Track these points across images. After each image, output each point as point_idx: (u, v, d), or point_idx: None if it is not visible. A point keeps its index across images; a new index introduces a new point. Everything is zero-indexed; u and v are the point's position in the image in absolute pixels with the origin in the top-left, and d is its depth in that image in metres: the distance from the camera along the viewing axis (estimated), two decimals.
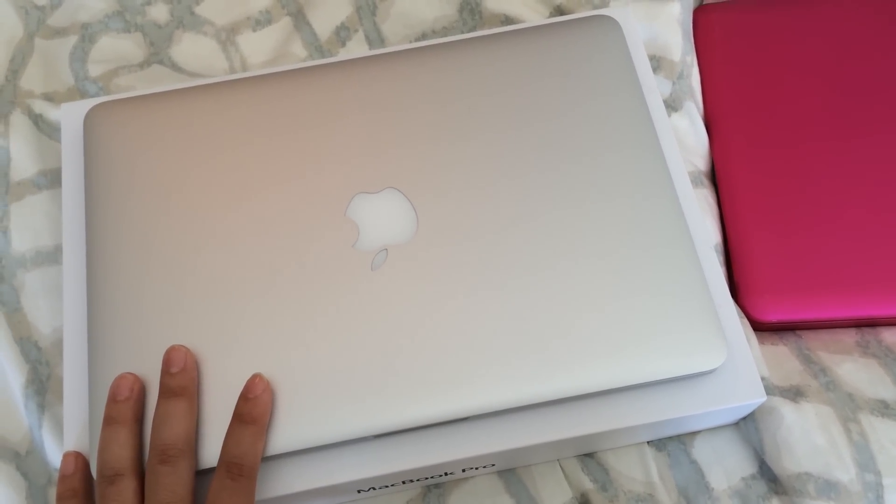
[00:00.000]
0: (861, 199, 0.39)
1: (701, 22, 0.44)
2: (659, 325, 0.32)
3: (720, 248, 0.39)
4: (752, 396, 0.33)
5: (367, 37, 0.44)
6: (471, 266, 0.34)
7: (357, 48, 0.44)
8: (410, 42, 0.44)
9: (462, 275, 0.33)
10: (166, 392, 0.31)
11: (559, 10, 0.44)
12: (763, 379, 0.35)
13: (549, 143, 0.36)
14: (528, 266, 0.33)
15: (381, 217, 0.34)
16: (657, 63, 0.42)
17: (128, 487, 0.30)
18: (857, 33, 0.43)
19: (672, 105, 0.42)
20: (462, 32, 0.44)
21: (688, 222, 0.36)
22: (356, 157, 0.36)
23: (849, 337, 0.38)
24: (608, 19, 0.38)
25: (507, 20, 0.44)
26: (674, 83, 0.42)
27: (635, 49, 0.40)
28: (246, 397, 0.31)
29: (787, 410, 0.35)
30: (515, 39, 0.38)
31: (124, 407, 0.31)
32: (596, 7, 0.43)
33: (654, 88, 0.39)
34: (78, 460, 0.32)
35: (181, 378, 0.31)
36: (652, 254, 0.34)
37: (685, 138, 0.41)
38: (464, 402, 0.32)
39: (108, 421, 0.31)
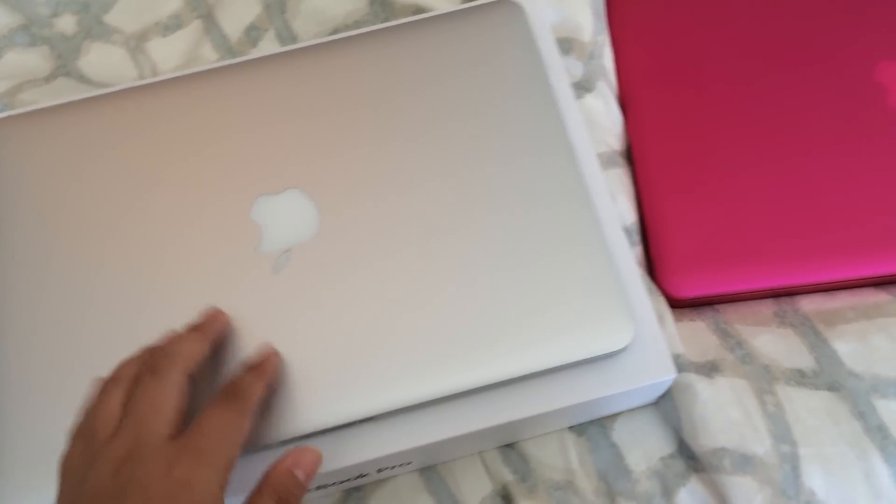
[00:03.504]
0: (775, 169, 0.39)
1: (614, 0, 0.44)
2: (564, 310, 0.32)
3: (636, 226, 0.39)
4: (661, 374, 0.33)
5: (278, 35, 0.44)
6: (375, 262, 0.33)
7: (269, 47, 0.44)
8: (322, 38, 0.44)
9: (366, 272, 0.33)
10: (189, 326, 0.31)
11: None
12: (678, 356, 0.35)
13: (452, 133, 0.35)
14: (431, 259, 0.33)
15: (284, 218, 0.34)
16: (569, 45, 0.42)
17: (117, 394, 0.28)
18: (775, 1, 0.42)
19: (585, 86, 0.41)
20: (373, 25, 0.44)
21: (596, 204, 0.36)
22: (259, 158, 0.35)
23: (766, 308, 0.38)
24: (511, 4, 0.38)
25: (418, 10, 0.43)
26: (585, 64, 0.41)
27: (541, 32, 0.39)
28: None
29: (703, 386, 0.35)
30: (419, 30, 0.38)
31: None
32: None
33: (562, 71, 0.39)
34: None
35: (208, 323, 0.31)
36: (557, 239, 0.33)
37: (599, 118, 0.41)
38: (371, 401, 0.32)
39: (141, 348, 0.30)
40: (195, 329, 0.30)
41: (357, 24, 0.44)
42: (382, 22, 0.44)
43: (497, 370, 0.32)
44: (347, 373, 0.32)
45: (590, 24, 0.42)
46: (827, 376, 0.35)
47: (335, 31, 0.44)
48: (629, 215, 0.39)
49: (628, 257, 0.35)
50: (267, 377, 0.30)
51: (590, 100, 0.41)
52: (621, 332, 0.32)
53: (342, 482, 0.34)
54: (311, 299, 0.33)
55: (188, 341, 0.29)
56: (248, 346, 0.32)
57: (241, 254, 0.34)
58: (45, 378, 0.32)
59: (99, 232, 0.34)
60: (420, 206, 0.34)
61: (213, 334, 0.31)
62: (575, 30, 0.42)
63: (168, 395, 0.27)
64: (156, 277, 0.33)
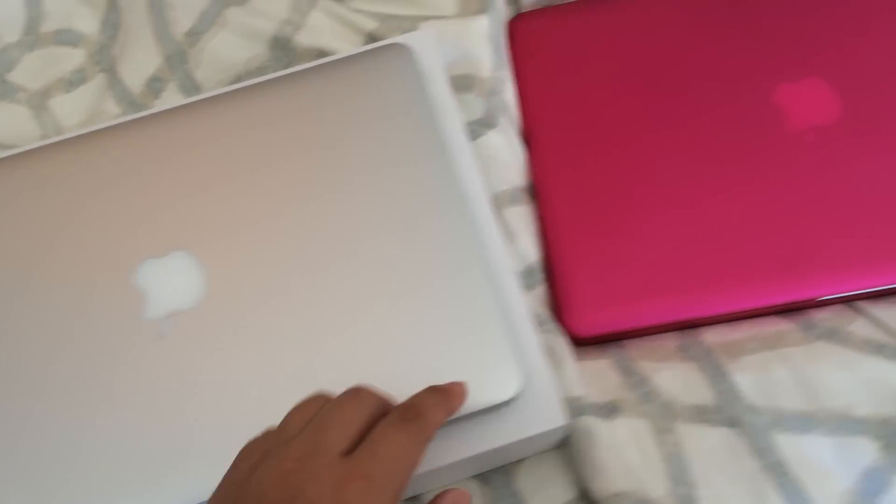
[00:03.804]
0: (677, 201, 0.38)
1: (517, 32, 0.43)
2: (449, 363, 0.32)
3: (540, 265, 0.39)
4: (551, 423, 0.33)
5: (181, 86, 0.44)
6: (263, 325, 0.33)
7: (172, 98, 0.44)
8: (226, 86, 0.43)
9: (254, 335, 0.33)
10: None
11: (372, 38, 0.43)
12: (578, 399, 0.35)
13: (339, 185, 0.35)
14: (318, 320, 0.33)
15: (170, 282, 0.34)
16: (469, 82, 0.41)
17: (317, 402, 0.27)
18: (675, 31, 0.42)
19: (487, 122, 0.41)
20: (276, 70, 0.43)
21: (488, 248, 0.36)
22: (148, 218, 0.35)
23: (671, 342, 0.38)
24: (399, 47, 0.38)
25: (321, 53, 0.43)
26: (486, 100, 0.41)
27: (434, 72, 0.39)
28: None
29: (602, 430, 0.34)
30: (308, 79, 0.38)
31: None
32: (406, 31, 0.42)
33: (454, 112, 0.38)
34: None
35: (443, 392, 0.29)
36: (442, 290, 0.33)
37: (501, 155, 0.40)
38: None
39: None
40: (440, 392, 0.29)
41: (259, 70, 0.43)
42: (285, 67, 0.43)
43: None
44: (233, 440, 0.32)
45: (489, 59, 0.41)
46: (727, 411, 0.35)
47: (238, 78, 0.44)
48: (531, 254, 0.39)
49: (520, 303, 0.35)
50: (451, 404, 0.28)
51: (492, 136, 0.41)
52: (508, 382, 0.32)
53: None
54: (197, 365, 0.33)
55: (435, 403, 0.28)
56: (129, 415, 0.32)
57: (126, 321, 0.34)
58: None
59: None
60: (308, 263, 0.34)
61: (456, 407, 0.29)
62: (474, 66, 0.41)
63: (361, 412, 0.26)
64: (42, 349, 0.33)
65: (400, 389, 0.31)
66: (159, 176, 0.36)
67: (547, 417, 0.33)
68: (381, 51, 0.38)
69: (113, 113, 0.43)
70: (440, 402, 0.28)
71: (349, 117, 0.36)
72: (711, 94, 0.40)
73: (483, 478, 0.36)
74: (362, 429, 0.26)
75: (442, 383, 0.30)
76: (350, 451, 0.25)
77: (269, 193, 0.35)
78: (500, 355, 0.32)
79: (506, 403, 0.32)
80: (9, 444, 0.32)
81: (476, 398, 0.32)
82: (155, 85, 0.44)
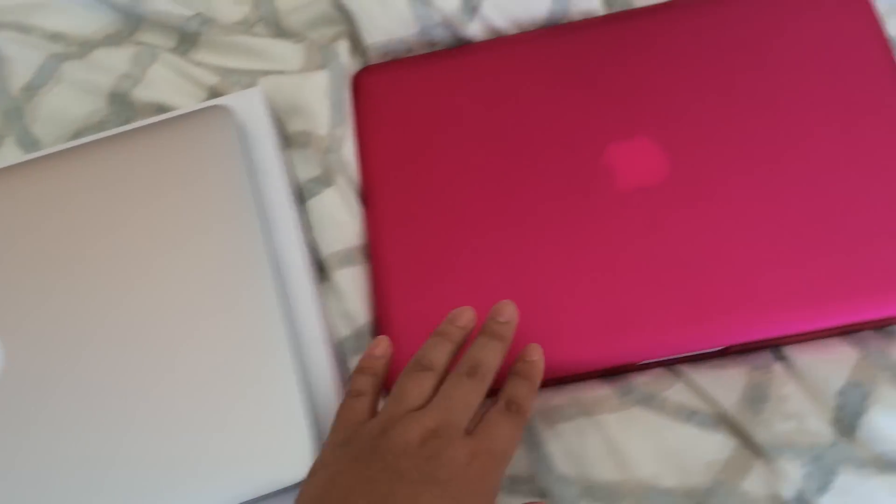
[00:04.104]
0: (504, 263, 0.38)
1: (361, 86, 0.43)
2: (245, 441, 0.32)
3: (369, 327, 0.39)
4: None
5: (19, 141, 0.43)
6: (52, 409, 0.33)
7: (11, 155, 0.43)
8: (65, 142, 0.43)
9: (45, 417, 0.33)
10: (489, 333, 0.34)
11: (214, 92, 0.42)
12: None
13: (145, 255, 0.35)
14: (119, 400, 0.33)
15: None
16: (307, 138, 0.41)
17: (430, 378, 0.32)
18: (512, 88, 0.42)
19: (324, 181, 0.41)
20: (116, 125, 0.43)
21: (300, 318, 0.35)
22: None
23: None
24: (220, 109, 0.37)
25: (161, 108, 0.42)
26: (324, 157, 0.41)
27: (261, 133, 0.39)
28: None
29: None
30: (125, 141, 0.37)
31: (457, 331, 0.34)
32: (246, 86, 0.42)
33: (279, 172, 0.38)
34: (388, 348, 0.35)
35: (505, 328, 0.34)
36: (242, 365, 0.33)
37: (336, 214, 0.40)
38: None
39: (437, 334, 0.34)
40: (500, 339, 0.34)
41: (100, 125, 0.43)
42: (124, 122, 0.43)
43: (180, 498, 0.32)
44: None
45: (327, 116, 0.41)
46: (539, 482, 0.35)
47: (77, 134, 0.43)
48: (361, 316, 0.39)
49: (329, 376, 0.35)
50: (509, 345, 0.34)
51: (328, 195, 0.40)
52: (302, 463, 0.32)
53: None
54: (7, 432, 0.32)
55: (496, 353, 0.33)
56: None
57: None
58: None
59: None
60: (105, 341, 0.34)
61: (510, 342, 0.35)
62: (311, 122, 0.41)
63: (479, 397, 0.32)
64: None
65: (194, 478, 0.31)
66: None
67: None
68: (201, 113, 0.37)
69: None
70: (532, 391, 0.33)
71: (162, 183, 0.36)
72: (546, 152, 0.40)
73: None
74: (479, 410, 0.32)
75: (501, 318, 0.34)
76: (469, 429, 0.31)
77: (76, 268, 0.35)
78: (296, 435, 0.32)
79: (295, 483, 0.32)
80: None
81: (269, 477, 0.32)
82: None
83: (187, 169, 0.36)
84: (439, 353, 0.33)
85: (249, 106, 0.39)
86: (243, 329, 0.33)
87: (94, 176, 0.36)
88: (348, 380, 0.36)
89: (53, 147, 0.39)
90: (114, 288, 0.34)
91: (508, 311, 0.36)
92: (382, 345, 0.35)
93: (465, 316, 0.35)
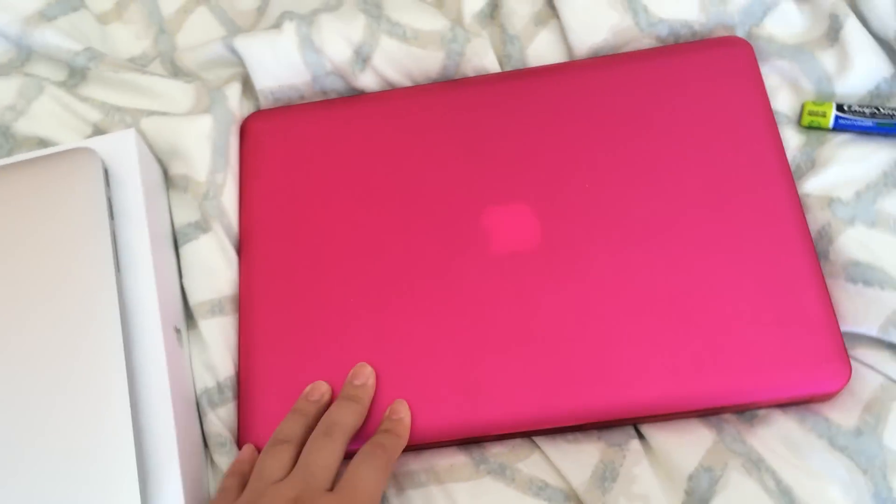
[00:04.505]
0: (372, 324, 0.38)
1: (248, 131, 0.43)
2: (72, 487, 0.31)
3: (232, 381, 0.38)
4: None
5: None
6: None
7: None
8: None
9: None
10: (345, 396, 0.36)
11: (98, 129, 0.42)
12: None
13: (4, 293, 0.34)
14: None
15: None
16: (186, 182, 0.40)
17: (287, 450, 0.33)
18: (396, 144, 0.41)
19: (200, 226, 0.40)
20: None
21: (146, 374, 0.35)
22: None
23: None
24: (85, 151, 0.37)
25: (42, 143, 0.42)
26: (201, 203, 0.40)
27: (128, 178, 0.38)
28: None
29: None
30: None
31: (311, 406, 0.35)
32: (129, 125, 0.41)
33: (142, 219, 0.37)
34: (253, 453, 0.36)
35: (361, 391, 0.36)
36: (76, 424, 0.32)
37: (209, 262, 0.39)
38: None
39: (293, 411, 0.35)
40: (356, 401, 0.35)
41: None
42: (6, 154, 0.42)
43: None
44: None
45: (207, 161, 0.41)
46: None
47: None
48: (225, 369, 0.38)
49: (171, 437, 0.34)
50: (405, 431, 0.35)
51: (203, 241, 0.40)
52: None
53: None
54: None
55: (352, 414, 0.35)
56: None
57: None
58: None
59: None
60: None
61: (368, 404, 0.36)
62: (190, 167, 0.40)
63: (336, 456, 0.33)
64: None
65: None
66: None
67: None
68: (67, 154, 0.37)
69: None
70: (400, 434, 0.35)
71: (19, 221, 0.35)
72: (424, 211, 0.40)
73: None
74: (338, 467, 0.33)
75: (393, 411, 0.36)
76: (330, 488, 0.32)
77: None
78: (123, 488, 0.31)
79: None
80: None
81: None
82: None
83: (46, 210, 0.35)
84: (294, 426, 0.34)
85: (122, 148, 0.38)
86: (82, 375, 0.33)
87: None
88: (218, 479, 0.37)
89: None
90: None
91: (364, 374, 0.36)
92: (247, 450, 0.36)
93: (319, 390, 0.36)
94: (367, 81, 0.43)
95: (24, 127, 0.42)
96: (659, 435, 0.36)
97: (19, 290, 0.34)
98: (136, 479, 0.31)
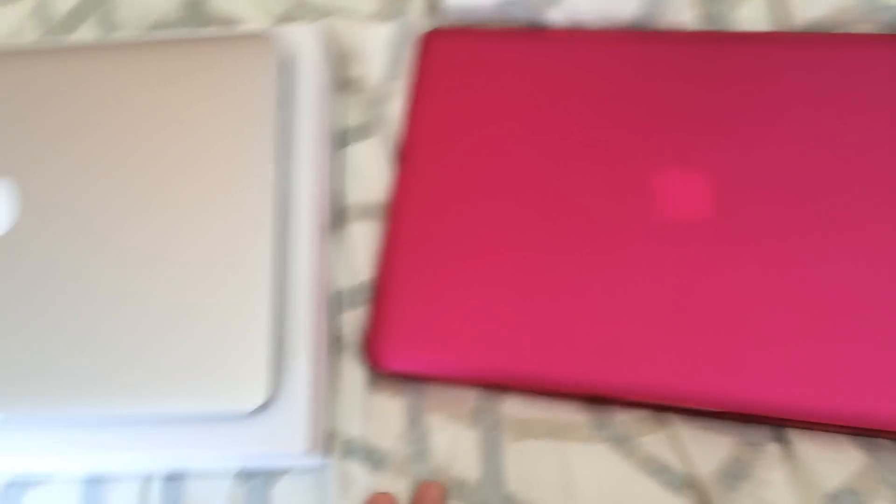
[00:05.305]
0: (525, 265, 0.36)
1: (427, 47, 0.42)
2: (206, 362, 0.32)
3: (366, 286, 0.38)
4: (291, 448, 0.32)
5: (99, 22, 0.44)
6: (57, 267, 0.34)
7: (90, 33, 0.44)
8: (138, 32, 0.44)
9: (45, 276, 0.34)
10: None
11: (283, 19, 0.42)
12: (351, 440, 0.34)
13: (163, 159, 0.35)
14: (106, 276, 0.33)
15: None
16: (357, 86, 0.40)
17: None
18: (578, 88, 0.39)
19: (363, 131, 0.40)
20: (185, 26, 0.43)
21: (290, 257, 0.35)
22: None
23: (470, 401, 0.36)
24: (262, 39, 0.37)
25: (229, 22, 0.42)
26: (368, 109, 0.40)
27: (308, 71, 0.38)
28: None
29: (357, 478, 0.34)
30: (172, 50, 0.37)
31: None
32: (312, 20, 0.41)
33: (315, 113, 0.37)
34: None
35: None
36: (222, 290, 0.33)
37: (366, 167, 0.39)
38: (9, 400, 0.32)
39: None
40: None
41: (173, 24, 0.43)
42: (197, 25, 0.43)
43: (124, 402, 0.32)
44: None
45: (382, 69, 0.40)
46: (484, 494, 0.33)
47: (155, 26, 0.44)
48: (363, 273, 0.38)
49: (307, 322, 0.34)
50: None
51: (363, 146, 0.39)
52: (251, 395, 0.31)
53: None
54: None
55: None
56: None
57: None
58: None
59: None
60: (111, 222, 0.34)
61: None
62: (364, 71, 0.40)
63: None
64: None
65: (143, 376, 0.32)
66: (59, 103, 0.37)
67: (289, 443, 0.32)
68: (245, 39, 0.37)
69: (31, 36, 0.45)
70: None
71: (188, 98, 0.36)
72: (592, 160, 0.38)
73: (245, 476, 0.36)
74: None
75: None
76: None
77: (91, 147, 0.35)
78: (249, 366, 0.32)
79: (246, 413, 0.32)
80: None
81: (216, 399, 0.32)
82: (78, 15, 0.44)
83: (216, 89, 0.36)
84: None
85: (304, 42, 0.38)
86: (231, 248, 0.33)
87: (135, 73, 0.36)
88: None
89: (121, 34, 0.40)
90: (123, 177, 0.35)
91: (432, 496, 0.33)
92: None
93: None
94: (555, 17, 0.41)
95: (213, 4, 0.43)
96: (803, 443, 0.33)
97: (178, 164, 0.35)
98: (266, 360, 0.32)
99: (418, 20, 0.42)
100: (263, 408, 0.32)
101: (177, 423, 0.33)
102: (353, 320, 0.37)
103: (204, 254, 0.33)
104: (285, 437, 0.32)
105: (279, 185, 0.34)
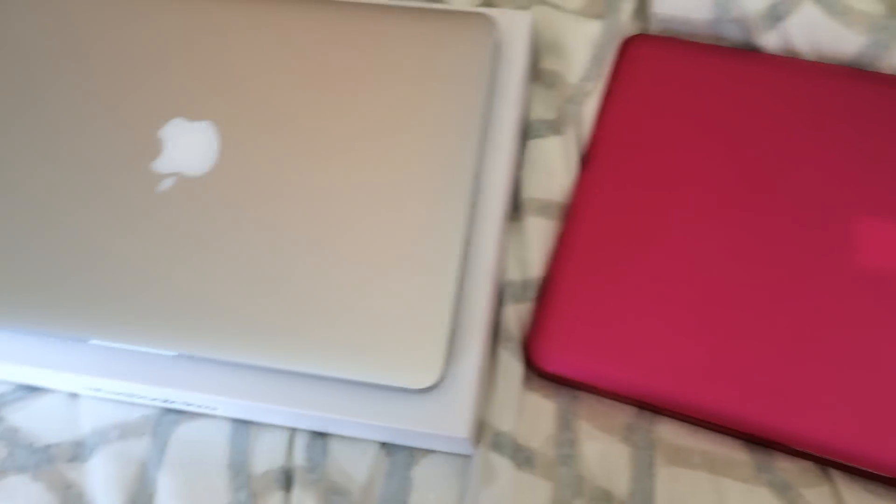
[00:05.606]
0: (704, 290, 0.36)
1: (628, 51, 0.41)
2: (384, 331, 0.32)
3: (535, 283, 0.37)
4: (450, 433, 0.32)
5: None
6: (244, 215, 0.34)
7: None
8: None
9: (234, 220, 0.34)
10: None
11: (486, 3, 0.42)
12: (502, 433, 0.34)
13: (365, 122, 0.35)
14: (294, 231, 0.34)
15: (188, 145, 0.36)
16: (555, 80, 0.40)
17: None
18: (782, 118, 0.38)
19: (553, 127, 0.39)
20: None
21: (473, 248, 0.35)
22: (194, 81, 0.37)
23: (624, 416, 0.36)
24: (483, 19, 0.36)
25: None
26: (563, 105, 0.39)
27: (514, 58, 0.38)
28: None
29: (502, 472, 0.33)
30: (389, 14, 0.37)
31: None
32: (518, 7, 0.41)
33: (515, 103, 0.37)
34: None
35: None
36: (410, 262, 0.33)
37: (552, 163, 0.39)
38: (192, 341, 0.33)
39: None
40: None
41: None
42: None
43: (300, 359, 0.32)
44: (177, 303, 0.33)
45: (583, 66, 0.39)
46: None
47: None
48: (534, 269, 0.37)
49: (482, 308, 0.34)
50: None
51: (552, 142, 0.39)
52: (424, 374, 0.31)
53: (154, 400, 0.36)
54: (181, 225, 0.34)
55: None
56: (116, 246, 0.34)
57: (136, 161, 0.36)
58: None
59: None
60: (308, 180, 0.35)
61: None
62: (565, 67, 0.39)
63: None
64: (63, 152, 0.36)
65: (327, 334, 0.32)
66: (217, 51, 0.37)
67: (451, 427, 0.32)
68: (465, 17, 0.37)
69: None
70: None
71: (404, 64, 0.36)
72: (784, 197, 0.36)
73: (390, 448, 0.36)
74: None
75: None
76: None
77: (302, 101, 0.36)
78: (428, 346, 0.32)
79: (417, 392, 0.32)
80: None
81: (389, 372, 0.32)
82: None
83: (432, 62, 0.36)
84: None
85: (513, 28, 0.38)
86: (426, 224, 0.33)
87: (349, 33, 0.36)
88: None
89: None
90: (324, 134, 0.35)
91: None
92: None
93: None
94: (770, 42, 0.39)
95: None
96: None
97: (382, 129, 0.35)
98: (444, 341, 0.32)
99: (626, 22, 0.41)
100: (432, 388, 0.32)
101: (341, 385, 0.33)
102: (515, 314, 0.37)
103: (398, 223, 0.33)
104: (448, 421, 0.32)
105: (476, 169, 0.34)
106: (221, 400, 0.34)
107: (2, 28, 0.39)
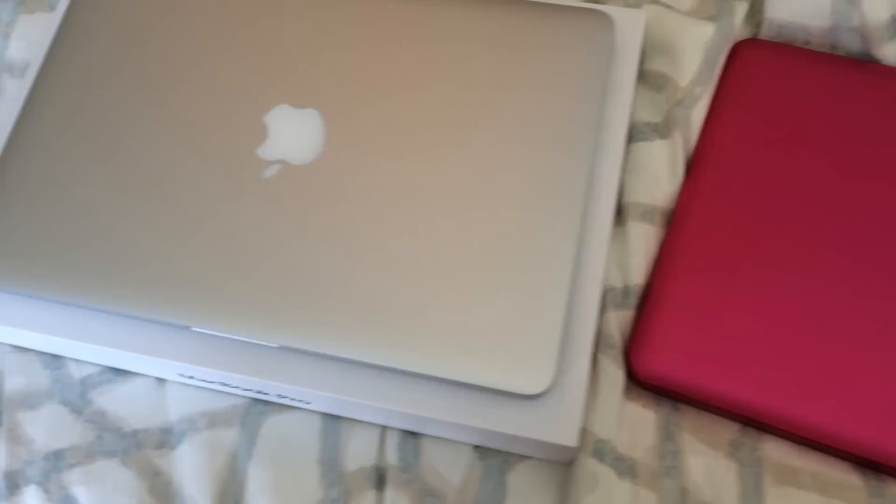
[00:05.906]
0: (812, 301, 0.35)
1: (739, 55, 0.40)
2: (496, 334, 0.31)
3: (637, 290, 0.37)
4: (556, 440, 0.31)
5: None
6: (351, 207, 0.33)
7: None
8: None
9: (339, 211, 0.33)
10: None
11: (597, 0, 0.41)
12: (603, 441, 0.33)
13: (480, 120, 0.34)
14: (407, 226, 0.33)
15: (294, 133, 0.35)
16: (664, 82, 0.39)
17: None
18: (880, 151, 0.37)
19: (659, 130, 0.38)
20: None
21: (583, 253, 0.34)
22: (300, 69, 0.36)
23: (728, 432, 0.35)
24: (604, 18, 0.35)
25: None
26: (671, 108, 0.38)
27: (626, 58, 0.37)
28: None
29: (603, 481, 0.33)
30: (506, 8, 0.36)
31: None
32: (627, 6, 0.40)
33: (626, 104, 0.36)
34: None
35: None
36: (523, 265, 0.32)
37: (655, 168, 0.38)
38: (290, 332, 0.32)
39: None
40: None
41: None
42: None
43: (407, 358, 0.32)
44: (282, 294, 0.33)
45: (694, 69, 0.38)
46: None
47: None
48: (636, 275, 0.36)
49: (591, 314, 0.33)
50: None
51: (657, 146, 0.38)
52: (534, 380, 0.31)
53: (246, 390, 0.36)
54: (292, 213, 0.34)
55: None
56: (218, 224, 0.34)
57: (241, 148, 0.35)
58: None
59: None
60: (418, 175, 0.34)
61: None
62: (675, 69, 0.38)
63: None
64: (162, 137, 0.35)
65: (436, 337, 0.31)
66: (327, 40, 0.36)
67: (558, 435, 0.31)
68: (585, 13, 0.36)
69: None
70: None
71: (521, 57, 0.35)
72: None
73: (483, 452, 0.35)
74: None
75: None
76: None
77: (415, 94, 0.35)
78: (540, 351, 0.31)
79: (526, 398, 0.31)
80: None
81: (500, 376, 0.31)
82: None
83: (551, 58, 0.35)
84: None
85: (628, 27, 0.37)
86: (541, 227, 0.32)
87: (473, 27, 0.36)
88: None
89: None
90: (435, 127, 0.34)
91: None
92: None
93: None
94: (890, 53, 0.38)
95: None
96: None
97: (497, 124, 0.34)
98: (557, 348, 0.31)
99: (738, 26, 0.40)
100: (541, 394, 0.31)
101: (443, 385, 0.33)
102: (615, 321, 0.36)
103: (512, 223, 0.32)
104: (556, 429, 0.32)
105: (590, 170, 0.33)
106: (318, 394, 0.33)
107: (116, 13, 0.38)
